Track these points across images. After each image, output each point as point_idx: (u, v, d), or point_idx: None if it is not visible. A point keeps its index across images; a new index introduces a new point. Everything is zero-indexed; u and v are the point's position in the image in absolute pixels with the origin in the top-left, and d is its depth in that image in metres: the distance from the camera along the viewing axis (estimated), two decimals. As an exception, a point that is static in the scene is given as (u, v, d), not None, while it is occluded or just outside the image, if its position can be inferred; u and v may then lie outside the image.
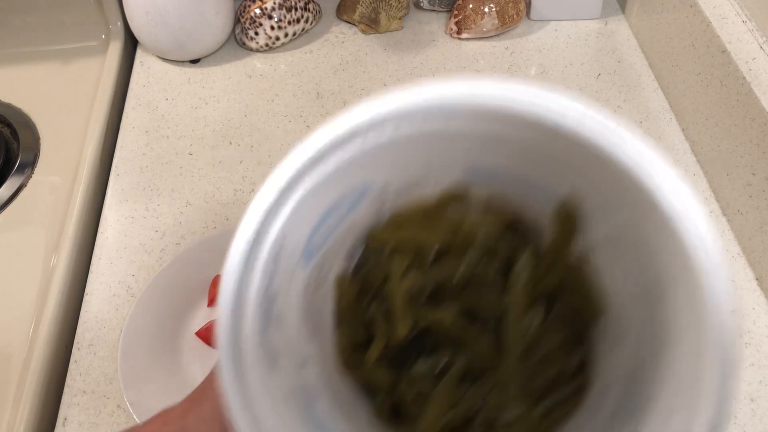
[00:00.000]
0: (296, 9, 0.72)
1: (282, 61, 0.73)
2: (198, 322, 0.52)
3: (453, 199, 0.29)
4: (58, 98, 0.70)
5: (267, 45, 0.73)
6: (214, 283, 0.53)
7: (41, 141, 0.66)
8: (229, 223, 0.58)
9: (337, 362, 0.29)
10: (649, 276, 0.24)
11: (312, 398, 0.25)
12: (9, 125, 0.67)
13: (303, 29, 0.75)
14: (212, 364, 0.42)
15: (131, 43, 0.75)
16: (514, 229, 0.29)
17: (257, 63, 0.73)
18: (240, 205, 0.59)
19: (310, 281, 0.27)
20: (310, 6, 0.74)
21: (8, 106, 0.69)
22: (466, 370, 0.28)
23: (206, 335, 0.51)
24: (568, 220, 0.27)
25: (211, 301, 0.53)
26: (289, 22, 0.72)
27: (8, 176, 0.63)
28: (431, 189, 0.29)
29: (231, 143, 0.65)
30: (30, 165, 0.64)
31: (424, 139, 0.25)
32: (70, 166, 0.63)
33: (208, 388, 0.26)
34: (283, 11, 0.71)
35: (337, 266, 0.29)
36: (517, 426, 0.27)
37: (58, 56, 0.74)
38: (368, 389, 0.29)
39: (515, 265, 0.28)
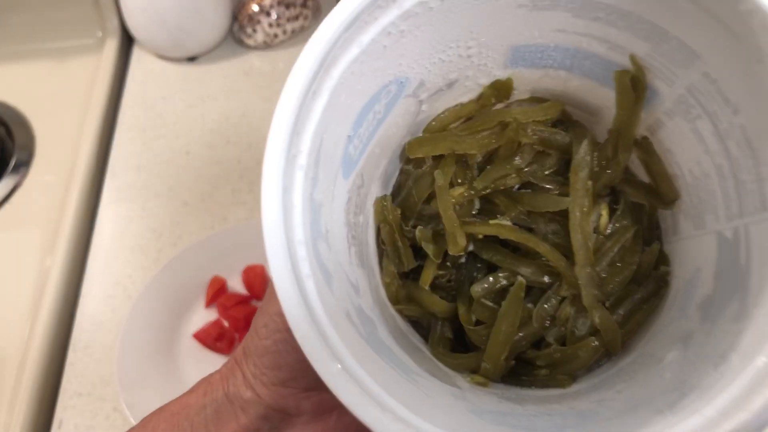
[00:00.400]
0: (294, 6, 0.72)
1: (280, 58, 0.72)
2: (195, 324, 0.51)
3: (496, 95, 0.26)
4: (54, 97, 0.69)
5: (265, 42, 0.72)
6: (212, 284, 0.52)
7: (36, 140, 0.65)
8: (227, 222, 0.57)
9: (387, 296, 0.26)
10: (748, 111, 0.20)
11: (371, 325, 0.23)
12: (4, 124, 0.67)
13: (301, 27, 0.74)
14: (210, 366, 0.42)
15: (127, 41, 0.75)
16: (567, 123, 0.26)
17: (255, 61, 0.72)
18: (239, 205, 0.59)
19: (351, 199, 0.25)
20: (309, 3, 0.74)
21: (3, 105, 0.68)
22: (531, 285, 0.25)
23: (204, 337, 0.50)
24: (634, 85, 0.24)
25: (209, 302, 0.52)
26: (288, 20, 0.72)
27: (3, 176, 0.62)
28: (473, 89, 0.26)
29: (229, 142, 0.64)
30: (25, 164, 0.63)
31: (466, 6, 0.23)
32: (66, 166, 0.62)
33: (248, 347, 0.25)
34: (282, 8, 0.71)
35: (374, 189, 0.26)
36: (598, 339, 0.24)
37: (53, 54, 0.74)
38: (422, 322, 0.26)
39: (573, 158, 0.25)
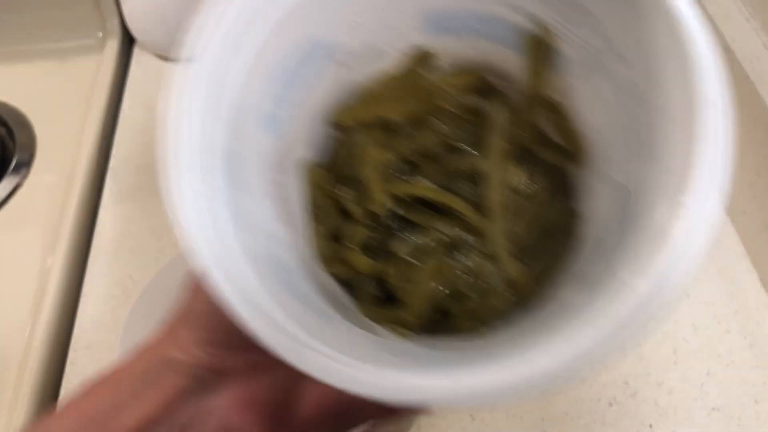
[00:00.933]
0: (295, 7, 0.72)
1: (281, 59, 0.73)
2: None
3: (418, 64, 0.28)
4: (55, 97, 0.69)
5: (265, 43, 0.72)
6: None
7: (37, 140, 0.65)
8: (227, 223, 0.57)
9: (315, 256, 0.27)
10: (641, 84, 0.22)
11: (295, 280, 0.23)
12: (5, 124, 0.67)
13: (302, 27, 0.74)
14: None
15: (128, 42, 0.75)
16: (485, 89, 0.28)
17: (256, 61, 0.72)
18: (238, 205, 0.59)
19: (277, 159, 0.26)
20: (309, 4, 0.74)
21: (4, 105, 0.68)
22: (453, 243, 0.27)
23: None
24: (541, 48, 0.26)
25: None
26: (288, 20, 0.72)
27: (4, 176, 0.62)
28: (394, 56, 0.28)
29: (229, 142, 0.64)
30: (26, 164, 0.63)
31: None
32: (67, 166, 0.62)
33: (182, 309, 0.25)
34: (282, 9, 0.71)
35: (301, 151, 0.28)
36: (513, 290, 0.26)
37: (54, 54, 0.74)
38: (350, 282, 0.27)
39: (490, 122, 0.27)
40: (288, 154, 0.26)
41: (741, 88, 0.53)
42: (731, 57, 0.54)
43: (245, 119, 0.22)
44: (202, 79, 0.20)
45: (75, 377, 0.49)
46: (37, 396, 0.48)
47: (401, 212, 0.27)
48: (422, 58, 0.28)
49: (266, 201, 0.24)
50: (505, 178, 0.26)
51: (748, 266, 0.54)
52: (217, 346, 0.24)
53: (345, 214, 0.27)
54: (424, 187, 0.27)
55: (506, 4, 0.25)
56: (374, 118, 0.27)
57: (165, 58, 0.72)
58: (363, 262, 0.27)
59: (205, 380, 0.24)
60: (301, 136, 0.27)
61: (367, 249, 0.27)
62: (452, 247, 0.27)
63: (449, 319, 0.26)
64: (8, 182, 0.62)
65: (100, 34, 0.74)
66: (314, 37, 0.25)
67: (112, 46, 0.72)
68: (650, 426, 0.44)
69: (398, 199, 0.27)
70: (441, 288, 0.26)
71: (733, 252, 0.55)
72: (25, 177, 0.62)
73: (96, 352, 0.50)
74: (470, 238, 0.26)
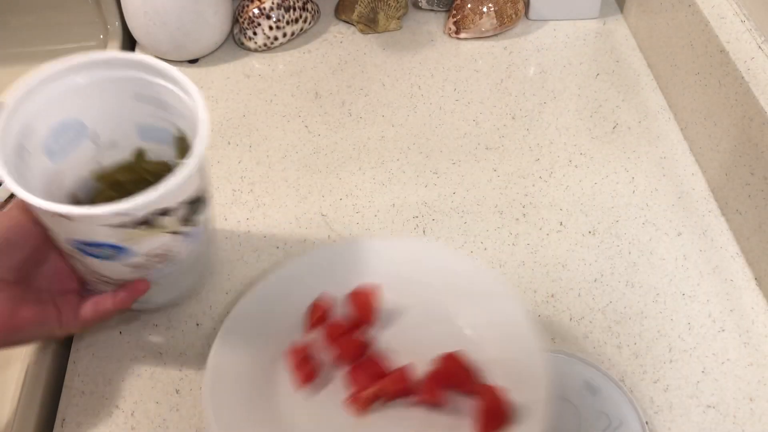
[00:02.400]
0: (294, 9, 0.72)
1: (280, 61, 0.73)
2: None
3: (138, 156, 0.48)
4: (56, 98, 0.70)
5: (265, 45, 0.73)
6: (315, 311, 0.48)
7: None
8: (227, 223, 0.58)
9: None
10: None
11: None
12: (7, 126, 0.67)
13: (301, 29, 0.74)
14: (319, 410, 0.44)
15: (129, 44, 0.75)
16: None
17: (255, 63, 0.73)
18: (239, 205, 0.59)
19: (51, 177, 0.43)
20: (309, 6, 0.74)
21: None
22: None
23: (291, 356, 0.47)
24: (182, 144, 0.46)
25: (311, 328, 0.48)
26: (288, 22, 0.72)
27: (6, 177, 0.63)
28: (128, 152, 0.48)
29: (229, 143, 0.65)
30: (28, 165, 0.64)
31: (104, 84, 0.44)
32: (69, 167, 0.62)
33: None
34: (282, 11, 0.71)
35: (69, 184, 0.46)
36: None
37: (56, 56, 0.73)
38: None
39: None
40: (59, 180, 0.45)
41: (736, 88, 0.54)
42: (726, 58, 0.55)
43: (32, 139, 0.42)
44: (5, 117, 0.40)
45: (77, 376, 0.49)
46: (39, 394, 0.48)
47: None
48: (141, 154, 0.49)
49: (39, 186, 0.42)
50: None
51: (742, 264, 0.54)
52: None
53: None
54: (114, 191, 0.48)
55: (167, 120, 0.45)
56: (110, 182, 0.49)
57: (165, 60, 0.72)
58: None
59: None
60: (68, 174, 0.46)
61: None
62: None
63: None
64: (10, 183, 0.62)
65: (102, 37, 0.75)
66: (79, 118, 0.45)
67: (114, 48, 0.73)
68: (646, 423, 0.44)
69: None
70: None
71: (727, 251, 0.55)
72: (27, 178, 0.63)
73: (98, 350, 0.51)
74: None
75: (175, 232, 0.41)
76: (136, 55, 0.44)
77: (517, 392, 0.41)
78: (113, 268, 0.41)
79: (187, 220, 0.41)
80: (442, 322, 0.48)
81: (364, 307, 0.48)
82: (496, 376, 0.44)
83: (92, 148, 0.47)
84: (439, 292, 0.49)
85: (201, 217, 0.43)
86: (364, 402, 0.43)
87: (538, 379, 0.41)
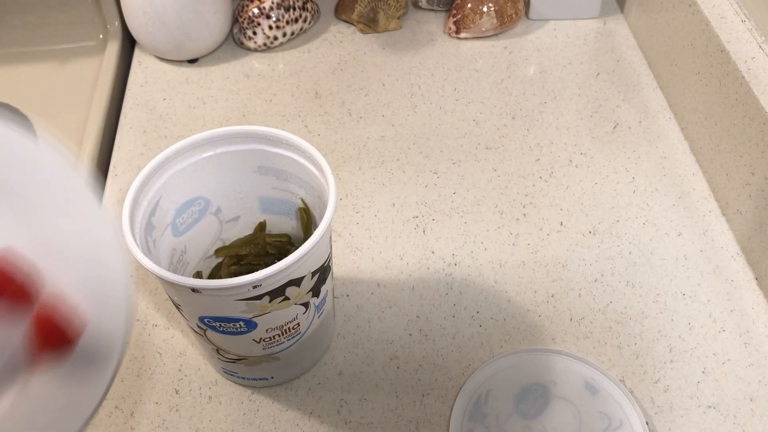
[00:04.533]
0: (294, 8, 0.72)
1: (280, 60, 0.73)
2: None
3: (260, 229, 0.50)
4: (56, 98, 0.70)
5: (265, 45, 0.73)
6: None
7: (38, 141, 0.66)
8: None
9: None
10: None
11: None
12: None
13: (301, 29, 0.74)
14: None
15: (129, 43, 0.75)
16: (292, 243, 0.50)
17: (255, 63, 0.73)
18: (238, 206, 0.59)
19: (175, 251, 0.44)
20: (309, 5, 0.74)
21: (6, 106, 0.69)
22: None
23: None
24: (306, 215, 0.47)
25: None
26: (287, 22, 0.72)
27: (5, 176, 0.63)
28: (250, 225, 0.49)
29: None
30: (27, 165, 0.64)
31: (228, 159, 0.44)
32: (68, 167, 0.62)
33: None
34: (281, 11, 0.71)
35: (190, 259, 0.47)
36: None
37: (55, 56, 0.74)
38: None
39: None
40: (183, 258, 0.46)
41: (736, 88, 0.54)
42: (726, 57, 0.55)
43: (158, 213, 0.42)
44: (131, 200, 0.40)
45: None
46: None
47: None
48: (261, 227, 0.50)
49: (164, 259, 0.43)
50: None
51: (742, 264, 0.54)
52: None
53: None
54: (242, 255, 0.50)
55: (289, 191, 0.46)
56: (234, 253, 0.49)
57: (165, 59, 0.73)
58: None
59: None
60: (197, 254, 0.47)
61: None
62: None
63: None
64: (10, 183, 0.62)
65: (101, 36, 0.75)
66: (203, 195, 0.45)
67: (113, 48, 0.73)
68: (647, 423, 0.44)
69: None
70: None
71: (728, 251, 0.55)
72: (26, 178, 0.63)
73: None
74: None
75: (305, 304, 0.40)
76: (260, 128, 0.43)
77: (90, 309, 0.32)
78: (242, 343, 0.41)
79: (315, 291, 0.41)
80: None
81: None
82: (63, 286, 0.33)
83: (215, 223, 0.47)
84: None
85: (326, 287, 0.43)
86: None
87: (117, 299, 0.33)
